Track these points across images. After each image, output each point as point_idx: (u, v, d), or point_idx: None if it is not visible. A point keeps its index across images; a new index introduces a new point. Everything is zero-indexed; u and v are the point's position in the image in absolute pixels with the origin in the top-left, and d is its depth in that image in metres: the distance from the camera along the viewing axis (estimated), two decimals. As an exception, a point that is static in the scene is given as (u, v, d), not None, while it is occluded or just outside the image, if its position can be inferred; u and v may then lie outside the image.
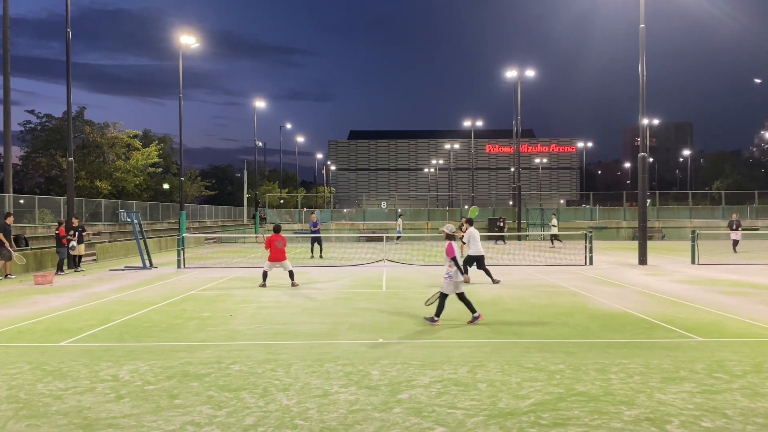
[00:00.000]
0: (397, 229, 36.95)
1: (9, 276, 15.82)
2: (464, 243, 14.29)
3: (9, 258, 15.87)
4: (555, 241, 31.17)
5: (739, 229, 24.84)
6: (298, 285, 14.04)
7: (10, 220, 16.41)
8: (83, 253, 19.25)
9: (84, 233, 19.09)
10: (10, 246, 15.96)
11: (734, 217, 26.31)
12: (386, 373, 6.29)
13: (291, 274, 14.19)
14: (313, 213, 28.88)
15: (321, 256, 23.00)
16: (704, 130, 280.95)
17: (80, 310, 10.91)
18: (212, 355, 7.18)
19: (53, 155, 36.31)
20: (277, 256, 13.88)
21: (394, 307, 10.82)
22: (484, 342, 7.91)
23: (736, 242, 24.60)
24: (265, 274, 14.19)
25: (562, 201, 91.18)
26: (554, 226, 31.01)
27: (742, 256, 22.66)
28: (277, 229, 14.36)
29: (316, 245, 23.65)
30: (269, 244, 13.94)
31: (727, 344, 7.70)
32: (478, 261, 14.30)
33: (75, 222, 18.78)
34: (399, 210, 45.97)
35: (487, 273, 14.42)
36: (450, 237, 9.30)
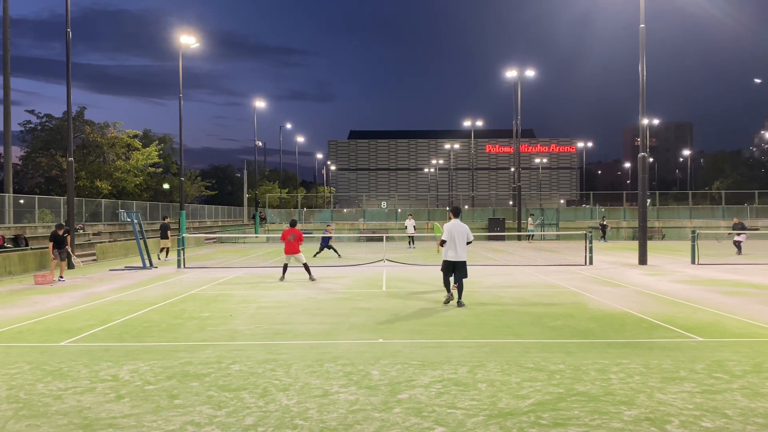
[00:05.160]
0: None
1: (62, 279, 15.84)
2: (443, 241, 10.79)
3: (64, 258, 16.21)
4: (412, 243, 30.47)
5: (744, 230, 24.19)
6: (315, 279, 15.00)
7: (61, 232, 16.31)
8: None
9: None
10: (60, 254, 16.01)
11: (735, 220, 25.90)
12: (386, 373, 6.29)
13: (306, 267, 15.19)
14: (329, 225, 28.75)
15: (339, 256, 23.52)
16: (704, 130, 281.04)
17: (80, 310, 10.91)
18: (212, 355, 7.18)
19: (53, 155, 36.31)
20: (289, 249, 15.01)
21: (394, 307, 10.81)
22: (484, 342, 7.91)
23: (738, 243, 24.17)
24: (284, 267, 15.30)
25: (562, 201, 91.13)
26: (412, 226, 30.10)
27: (744, 256, 22.65)
28: (292, 224, 15.64)
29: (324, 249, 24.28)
30: (283, 237, 15.19)
31: (727, 344, 7.69)
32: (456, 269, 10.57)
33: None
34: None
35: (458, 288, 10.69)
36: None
